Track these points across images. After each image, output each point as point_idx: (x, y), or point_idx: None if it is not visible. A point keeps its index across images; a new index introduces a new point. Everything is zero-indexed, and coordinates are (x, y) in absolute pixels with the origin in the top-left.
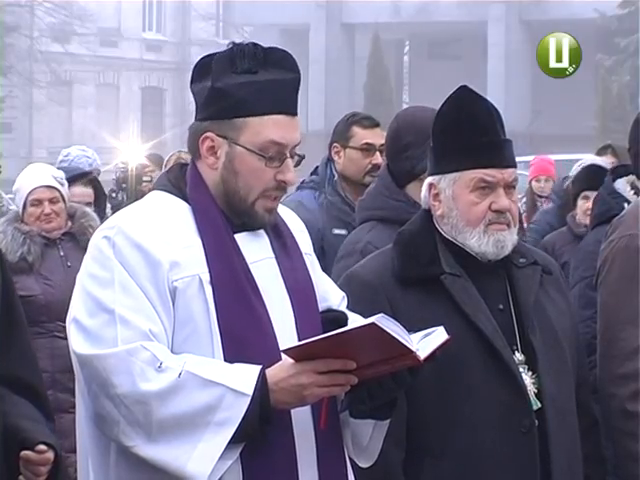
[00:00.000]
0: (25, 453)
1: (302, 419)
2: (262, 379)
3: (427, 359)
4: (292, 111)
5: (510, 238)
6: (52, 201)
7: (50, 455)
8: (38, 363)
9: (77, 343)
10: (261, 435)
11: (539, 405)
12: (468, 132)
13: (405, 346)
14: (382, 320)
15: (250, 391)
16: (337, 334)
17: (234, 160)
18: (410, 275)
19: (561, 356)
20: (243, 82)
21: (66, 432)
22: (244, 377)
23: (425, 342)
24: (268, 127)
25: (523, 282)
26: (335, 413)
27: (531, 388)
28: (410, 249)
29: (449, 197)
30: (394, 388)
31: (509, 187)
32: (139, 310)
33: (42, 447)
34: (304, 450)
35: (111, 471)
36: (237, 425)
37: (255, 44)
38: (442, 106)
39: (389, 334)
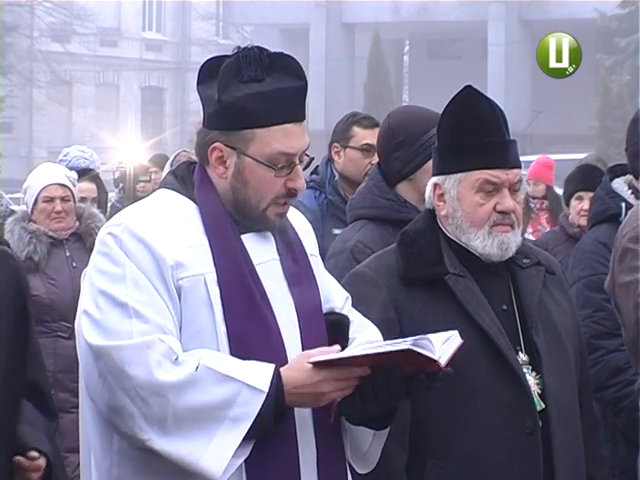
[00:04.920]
0: (17, 459)
1: (303, 420)
2: (277, 376)
3: (447, 365)
4: (300, 117)
5: (514, 239)
6: (64, 199)
7: (41, 462)
8: (44, 361)
9: (91, 335)
10: (273, 432)
11: (543, 406)
12: (473, 132)
13: (433, 359)
14: (418, 342)
15: (266, 388)
16: (369, 355)
17: (244, 171)
18: (414, 275)
19: (564, 357)
20: (249, 93)
21: (65, 432)
22: (259, 374)
23: (444, 348)
24: (276, 138)
25: (527, 282)
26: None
27: (535, 389)
28: (414, 249)
29: (454, 197)
30: (387, 400)
31: (514, 188)
32: (152, 305)
33: (34, 454)
34: (305, 451)
35: (114, 469)
36: (252, 421)
37: (260, 49)
38: (447, 106)
39: (424, 355)
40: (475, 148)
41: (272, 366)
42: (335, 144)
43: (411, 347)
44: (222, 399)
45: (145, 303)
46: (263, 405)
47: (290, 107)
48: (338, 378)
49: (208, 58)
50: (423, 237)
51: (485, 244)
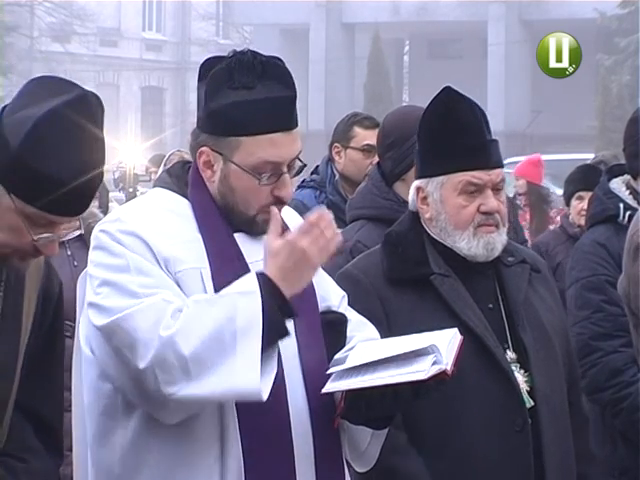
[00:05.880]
0: None
1: (300, 419)
2: (260, 274)
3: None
4: (289, 126)
5: (499, 239)
6: None
7: None
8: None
9: (99, 319)
10: (287, 331)
11: (532, 403)
12: (453, 135)
13: (445, 371)
14: (436, 362)
15: (255, 287)
16: (388, 385)
17: (229, 177)
18: (399, 276)
19: (552, 354)
20: (238, 101)
21: (68, 431)
22: (243, 281)
23: (449, 351)
24: (262, 147)
25: (512, 280)
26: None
27: (523, 386)
28: (398, 250)
29: (437, 200)
30: (393, 405)
31: (497, 187)
32: (161, 285)
33: None
34: (303, 450)
35: (115, 467)
36: (261, 322)
37: (254, 54)
38: (426, 109)
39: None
40: (456, 150)
41: (251, 272)
42: (336, 144)
43: (427, 377)
44: (223, 317)
45: (154, 285)
46: (263, 303)
47: (278, 117)
48: (308, 227)
49: (208, 57)
50: (407, 238)
51: (470, 245)
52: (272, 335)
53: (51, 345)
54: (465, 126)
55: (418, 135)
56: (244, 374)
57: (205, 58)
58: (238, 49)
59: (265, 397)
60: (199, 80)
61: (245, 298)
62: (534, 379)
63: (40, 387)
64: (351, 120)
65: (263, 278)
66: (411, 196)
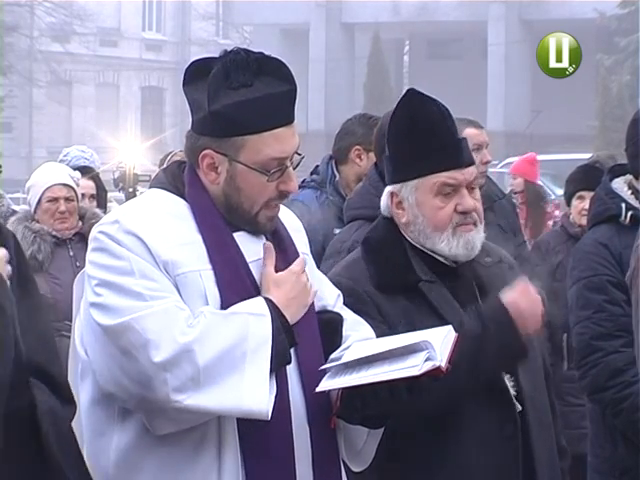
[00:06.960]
0: None
1: (299, 419)
2: (268, 299)
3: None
4: (290, 120)
5: (478, 237)
6: (68, 199)
7: None
8: (57, 348)
9: (106, 318)
10: (289, 357)
11: (520, 408)
12: (423, 137)
13: (439, 368)
14: (430, 358)
15: (266, 311)
16: (381, 381)
17: (236, 177)
18: (388, 282)
19: (533, 354)
20: (239, 100)
21: None
22: (253, 303)
23: (443, 347)
24: (268, 144)
25: (492, 282)
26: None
27: (511, 391)
28: (381, 258)
29: (413, 204)
30: (389, 402)
31: (471, 186)
32: (165, 289)
33: None
34: (301, 450)
35: (110, 469)
36: (271, 344)
37: (247, 52)
38: (393, 114)
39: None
40: (427, 152)
41: (258, 297)
42: (357, 147)
43: (420, 372)
44: (235, 335)
45: (158, 289)
46: (273, 327)
47: (280, 112)
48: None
49: (194, 59)
50: (387, 246)
51: (451, 246)
52: (277, 360)
53: (25, 297)
54: (434, 127)
55: (387, 140)
56: (252, 393)
57: (192, 60)
58: (229, 50)
59: (269, 417)
60: (186, 83)
61: (256, 320)
62: (521, 383)
63: (29, 336)
64: (370, 122)
65: (271, 304)
66: (384, 202)
